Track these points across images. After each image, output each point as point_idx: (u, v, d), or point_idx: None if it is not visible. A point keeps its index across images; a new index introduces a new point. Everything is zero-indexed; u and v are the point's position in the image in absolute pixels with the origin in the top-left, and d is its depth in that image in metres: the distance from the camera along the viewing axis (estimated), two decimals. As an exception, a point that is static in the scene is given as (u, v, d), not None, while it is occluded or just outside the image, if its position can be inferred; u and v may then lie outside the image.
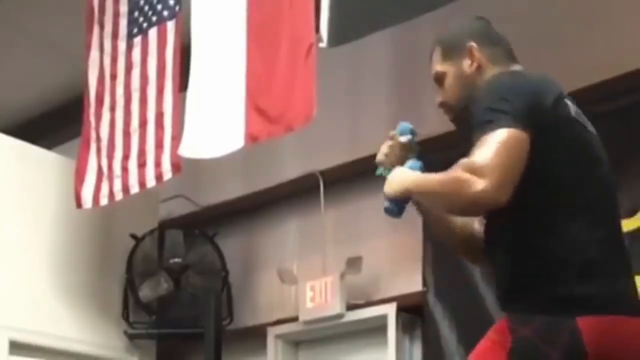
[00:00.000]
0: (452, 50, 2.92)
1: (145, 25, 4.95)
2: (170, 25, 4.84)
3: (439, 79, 2.92)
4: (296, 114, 4.24)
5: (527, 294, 2.63)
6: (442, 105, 2.93)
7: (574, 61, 4.59)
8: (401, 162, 3.00)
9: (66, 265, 5.65)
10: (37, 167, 5.66)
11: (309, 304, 5.37)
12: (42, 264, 5.56)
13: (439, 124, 5.07)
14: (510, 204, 2.55)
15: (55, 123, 6.36)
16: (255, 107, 4.37)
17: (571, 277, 2.58)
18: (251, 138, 4.40)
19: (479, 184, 2.52)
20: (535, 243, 2.63)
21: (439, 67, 2.92)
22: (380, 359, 5.17)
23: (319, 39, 4.07)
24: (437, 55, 2.94)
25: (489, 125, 2.56)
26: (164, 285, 5.70)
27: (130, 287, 5.80)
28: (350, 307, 5.30)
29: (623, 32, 4.50)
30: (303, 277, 5.47)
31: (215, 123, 4.52)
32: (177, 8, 4.83)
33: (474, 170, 2.53)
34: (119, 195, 4.98)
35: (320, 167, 5.55)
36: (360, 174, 5.34)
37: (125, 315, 5.82)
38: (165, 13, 4.87)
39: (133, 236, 5.81)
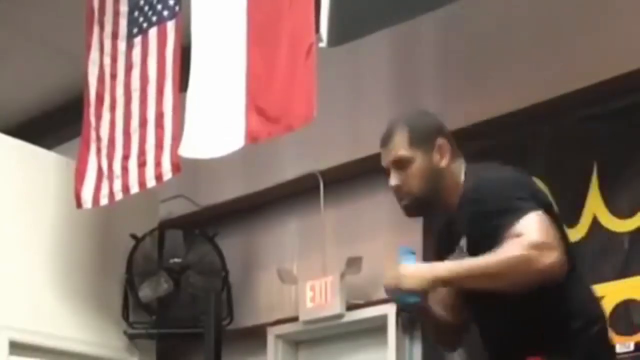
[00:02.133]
0: (420, 140, 2.95)
1: (145, 25, 4.95)
2: (170, 25, 4.84)
3: (402, 163, 2.95)
4: (296, 114, 4.24)
5: (549, 345, 2.83)
6: (399, 190, 2.95)
7: (574, 61, 4.59)
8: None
9: (66, 265, 5.65)
10: (37, 167, 5.65)
11: (309, 304, 5.37)
12: (42, 264, 5.56)
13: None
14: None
15: (55, 123, 6.36)
16: (255, 107, 4.37)
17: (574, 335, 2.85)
18: (251, 138, 4.40)
19: (549, 258, 2.69)
20: (553, 302, 2.85)
21: (404, 151, 2.95)
22: (380, 359, 5.17)
23: (319, 39, 4.06)
24: (402, 138, 2.97)
25: (520, 210, 2.73)
26: (164, 285, 5.70)
27: (130, 287, 5.80)
28: (350, 307, 5.30)
29: (623, 32, 4.50)
30: (303, 277, 5.47)
31: (215, 123, 4.52)
32: (177, 8, 4.83)
33: (539, 247, 2.69)
34: (119, 195, 4.98)
35: (320, 167, 5.55)
36: (360, 174, 5.34)
37: (125, 315, 5.82)
38: (165, 13, 4.87)
39: (133, 236, 5.81)
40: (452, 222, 2.96)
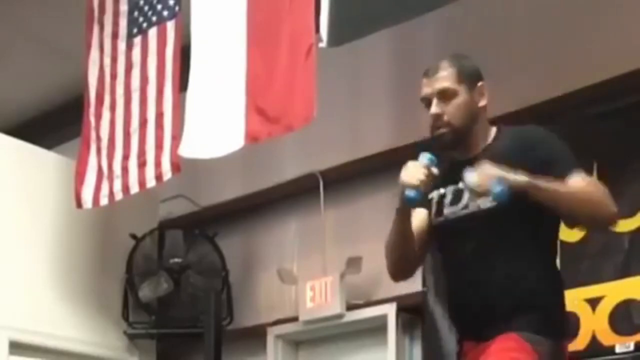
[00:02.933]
0: (467, 77, 3.08)
1: (145, 25, 4.95)
2: (170, 25, 4.84)
3: (447, 94, 3.05)
4: (296, 114, 4.24)
5: (535, 314, 2.95)
6: (439, 118, 3.05)
7: (574, 61, 4.59)
8: (429, 189, 3.08)
9: (66, 265, 5.65)
10: (37, 167, 5.65)
11: (309, 304, 5.37)
12: (42, 264, 5.56)
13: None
14: (540, 226, 2.98)
15: (55, 123, 6.36)
16: (255, 107, 4.37)
17: (563, 304, 3.03)
18: (251, 138, 4.40)
19: (614, 208, 2.95)
20: (548, 267, 3.05)
21: (451, 84, 3.05)
22: (380, 359, 5.17)
23: (319, 39, 4.06)
24: (451, 72, 3.07)
25: (578, 165, 2.99)
26: (164, 285, 5.70)
27: (130, 287, 5.80)
28: (350, 307, 5.30)
29: (623, 32, 4.50)
30: (303, 277, 5.47)
31: (215, 123, 4.52)
32: (177, 8, 4.83)
33: (609, 196, 2.94)
34: (119, 195, 4.98)
35: (320, 167, 5.55)
36: (360, 174, 5.34)
37: (125, 315, 5.82)
38: (165, 13, 4.87)
39: (133, 236, 5.81)
40: (460, 164, 3.03)
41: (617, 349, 4.21)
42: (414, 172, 2.98)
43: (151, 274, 5.75)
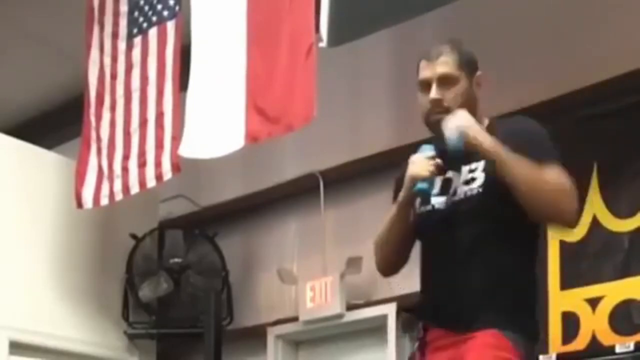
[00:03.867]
0: (467, 65, 3.08)
1: (145, 25, 4.95)
2: (170, 25, 4.84)
3: (448, 80, 3.03)
4: (296, 114, 4.24)
5: (516, 313, 2.96)
6: (439, 104, 3.02)
7: (574, 61, 4.59)
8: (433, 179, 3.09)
9: (66, 265, 5.65)
10: (37, 167, 5.65)
11: (309, 304, 5.37)
12: (42, 264, 5.56)
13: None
14: (519, 229, 2.95)
15: (55, 123, 6.36)
16: (255, 107, 4.37)
17: (536, 306, 3.05)
18: (251, 138, 4.40)
19: (576, 206, 2.96)
20: (529, 268, 3.04)
21: (453, 70, 3.05)
22: (380, 359, 5.17)
23: (319, 39, 4.06)
24: (453, 58, 3.07)
25: (558, 160, 2.97)
26: (164, 285, 5.70)
27: (130, 287, 5.80)
28: (350, 307, 5.30)
29: (623, 32, 4.50)
30: (303, 277, 5.47)
31: (215, 123, 4.52)
32: (177, 8, 4.83)
33: (575, 195, 2.94)
34: (119, 195, 4.98)
35: (320, 167, 5.55)
36: (360, 174, 5.34)
37: (125, 315, 5.83)
38: (165, 13, 4.87)
39: (133, 236, 5.81)
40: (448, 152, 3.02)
41: (617, 349, 4.21)
42: (422, 164, 2.99)
43: (151, 274, 5.75)
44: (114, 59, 5.07)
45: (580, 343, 4.35)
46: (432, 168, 2.99)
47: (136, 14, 5.01)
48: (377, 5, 4.03)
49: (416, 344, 3.10)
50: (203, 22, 4.65)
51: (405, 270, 5.21)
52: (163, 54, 4.85)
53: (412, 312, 3.20)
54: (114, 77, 5.07)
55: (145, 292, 5.75)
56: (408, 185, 3.02)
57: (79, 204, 5.16)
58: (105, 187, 5.04)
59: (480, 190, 2.98)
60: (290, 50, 4.28)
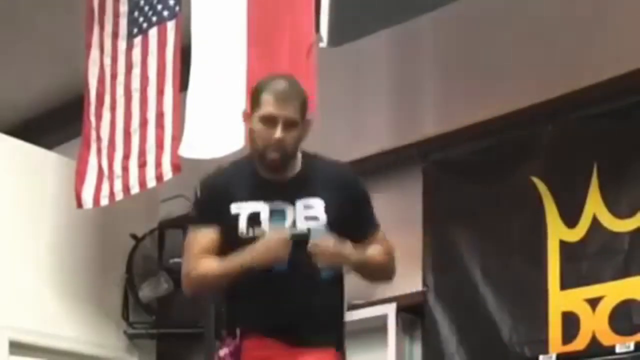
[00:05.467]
0: (303, 110, 3.22)
1: (145, 25, 4.95)
2: (170, 25, 4.84)
3: (292, 125, 3.16)
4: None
5: (341, 333, 3.42)
6: (281, 143, 3.14)
7: (574, 61, 4.59)
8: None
9: (66, 265, 5.65)
10: (37, 167, 5.65)
11: (309, 304, 5.36)
12: (42, 264, 5.56)
13: (437, 124, 5.09)
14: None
15: (55, 123, 6.36)
16: (256, 107, 4.36)
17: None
18: (251, 138, 4.39)
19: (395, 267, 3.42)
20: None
21: (297, 116, 3.18)
22: (380, 359, 5.17)
23: (319, 39, 4.06)
24: (298, 104, 3.19)
25: (379, 224, 3.35)
26: (164, 285, 5.70)
27: (130, 287, 5.80)
28: (350, 307, 5.28)
29: (623, 32, 4.50)
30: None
31: (216, 123, 4.52)
32: (177, 8, 4.83)
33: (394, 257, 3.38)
34: (119, 196, 4.98)
35: (320, 167, 5.53)
36: (360, 174, 5.31)
37: (125, 315, 5.82)
38: (165, 13, 4.87)
39: (133, 236, 5.81)
40: (271, 184, 3.19)
41: (617, 349, 4.21)
42: (282, 246, 3.08)
43: (151, 274, 5.74)
44: (114, 59, 5.07)
45: (580, 343, 4.35)
46: (289, 250, 3.08)
47: (136, 14, 5.01)
48: (377, 5, 4.03)
49: (225, 349, 3.19)
50: (203, 22, 4.65)
51: (405, 271, 5.21)
52: (163, 54, 4.85)
53: (231, 320, 3.23)
54: (114, 77, 5.07)
55: (145, 292, 5.74)
56: (266, 259, 3.08)
57: (79, 204, 5.16)
58: (105, 187, 5.04)
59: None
60: (290, 50, 4.27)
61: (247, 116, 3.24)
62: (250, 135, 3.21)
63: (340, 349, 3.32)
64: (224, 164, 3.40)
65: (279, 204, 3.16)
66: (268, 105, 3.14)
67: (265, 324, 3.16)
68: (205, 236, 3.18)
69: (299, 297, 3.17)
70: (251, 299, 3.17)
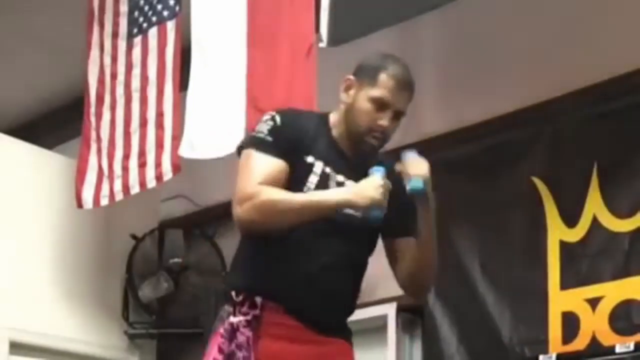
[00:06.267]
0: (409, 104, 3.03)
1: (145, 25, 4.96)
2: (170, 25, 4.84)
3: (400, 116, 2.98)
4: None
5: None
6: (386, 132, 2.95)
7: (574, 61, 4.59)
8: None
9: (66, 265, 5.65)
10: (37, 167, 5.66)
11: (309, 304, 5.36)
12: (42, 264, 5.56)
13: (439, 124, 5.09)
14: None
15: (55, 123, 6.36)
16: (256, 107, 4.36)
17: None
18: (251, 138, 4.39)
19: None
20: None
21: (406, 108, 2.99)
22: (380, 359, 5.17)
23: (319, 39, 4.06)
24: (410, 96, 3.00)
25: None
26: (164, 285, 5.70)
27: (130, 287, 5.80)
28: (350, 307, 5.29)
29: (623, 32, 4.50)
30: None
31: (216, 123, 4.52)
32: (177, 8, 4.83)
33: None
34: (119, 195, 4.98)
35: (320, 167, 5.53)
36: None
37: (125, 315, 5.83)
38: (166, 13, 4.87)
39: (133, 236, 5.81)
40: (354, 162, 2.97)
41: (617, 349, 4.21)
42: (381, 190, 2.83)
43: (151, 274, 5.75)
44: (114, 58, 5.08)
45: (580, 343, 4.35)
46: (385, 193, 2.86)
47: (136, 14, 5.01)
48: (377, 5, 4.03)
49: (240, 317, 2.82)
50: (203, 22, 4.65)
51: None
52: (163, 54, 4.86)
53: (251, 283, 2.86)
54: (114, 77, 5.07)
55: (145, 292, 5.75)
56: (363, 203, 2.82)
57: (79, 204, 5.16)
58: (105, 187, 5.04)
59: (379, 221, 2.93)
60: (290, 50, 4.28)
61: (352, 84, 2.98)
62: (351, 108, 2.95)
63: (351, 341, 3.01)
64: (297, 110, 3.14)
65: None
66: (386, 90, 2.91)
67: (294, 298, 2.84)
68: (274, 165, 2.86)
69: (340, 277, 2.92)
70: (288, 264, 2.86)
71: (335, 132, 2.98)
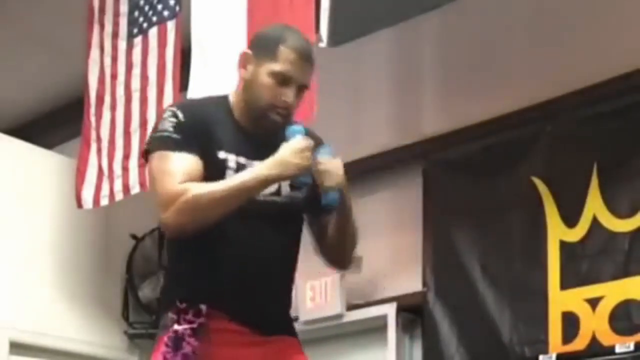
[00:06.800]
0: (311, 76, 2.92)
1: (145, 25, 4.95)
2: (171, 25, 4.84)
3: (303, 90, 2.86)
4: (296, 114, 4.23)
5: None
6: (290, 108, 2.84)
7: (574, 61, 4.59)
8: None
9: (66, 265, 5.65)
10: (37, 167, 5.66)
11: (309, 304, 5.37)
12: (42, 264, 5.56)
13: (437, 124, 5.10)
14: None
15: (55, 123, 6.36)
16: (255, 107, 4.36)
17: None
18: (251, 138, 4.39)
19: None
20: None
21: (310, 81, 2.88)
22: (380, 359, 5.17)
23: (319, 39, 4.06)
24: (312, 69, 2.87)
25: None
26: (164, 285, 5.70)
27: (130, 287, 5.80)
28: (350, 307, 5.29)
29: (623, 32, 4.50)
30: (303, 277, 5.46)
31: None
32: (177, 8, 4.83)
33: None
34: (119, 195, 4.98)
35: (320, 167, 5.53)
36: (361, 174, 5.33)
37: (125, 315, 5.83)
38: (166, 13, 4.87)
39: (133, 236, 5.81)
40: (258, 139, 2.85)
41: (617, 349, 4.21)
42: (305, 154, 2.77)
43: (151, 274, 5.75)
44: (114, 59, 5.07)
45: (580, 343, 4.36)
46: (311, 158, 2.78)
47: (136, 14, 5.01)
48: (377, 5, 4.03)
49: (185, 325, 2.71)
50: (203, 22, 4.65)
51: (405, 271, 5.23)
52: (163, 54, 4.86)
53: (193, 291, 2.74)
54: (114, 77, 5.07)
55: (145, 292, 5.75)
56: (290, 172, 2.73)
57: (79, 204, 5.16)
58: (106, 187, 5.04)
59: (301, 200, 2.87)
60: (291, 50, 4.27)
61: (249, 59, 2.82)
62: (251, 84, 2.81)
63: (297, 335, 2.92)
64: (196, 100, 3.09)
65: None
66: (288, 64, 2.76)
67: (235, 303, 2.75)
68: (190, 162, 2.72)
69: (276, 272, 2.82)
70: (223, 269, 2.75)
71: (237, 114, 2.85)
